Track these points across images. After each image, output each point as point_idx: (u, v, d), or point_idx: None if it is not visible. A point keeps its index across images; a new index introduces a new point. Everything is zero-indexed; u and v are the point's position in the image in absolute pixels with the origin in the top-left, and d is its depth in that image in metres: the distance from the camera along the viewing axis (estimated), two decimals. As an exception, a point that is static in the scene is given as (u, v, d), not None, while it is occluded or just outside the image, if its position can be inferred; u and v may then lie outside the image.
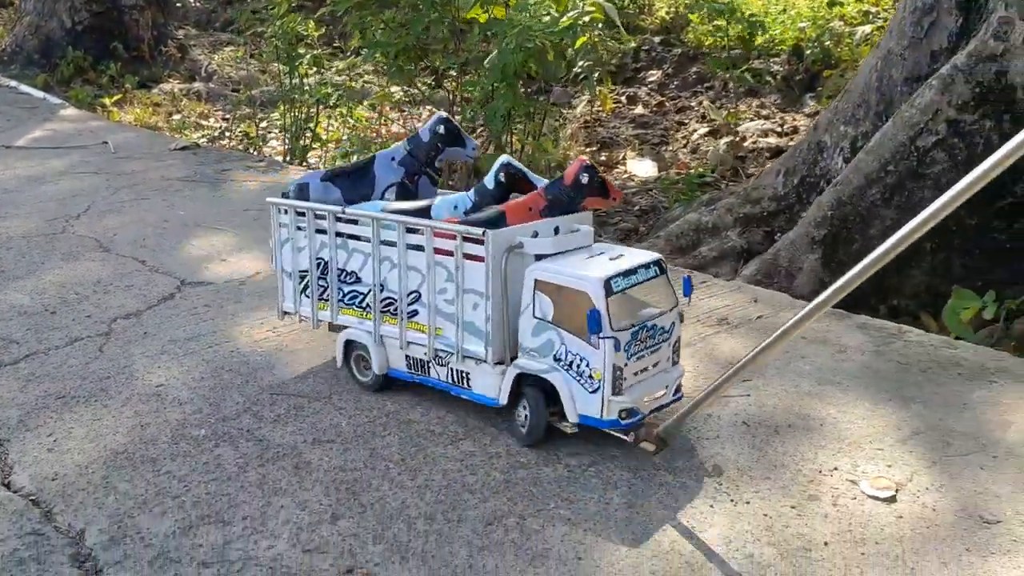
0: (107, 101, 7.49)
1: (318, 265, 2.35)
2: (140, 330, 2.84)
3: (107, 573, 1.72)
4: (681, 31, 8.46)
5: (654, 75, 8.01)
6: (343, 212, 2.26)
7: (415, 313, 2.20)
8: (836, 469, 2.05)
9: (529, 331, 2.03)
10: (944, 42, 3.52)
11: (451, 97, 4.72)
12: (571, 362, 1.97)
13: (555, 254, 2.05)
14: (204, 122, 7.25)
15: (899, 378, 2.49)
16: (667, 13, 8.98)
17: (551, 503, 1.93)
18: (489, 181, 2.23)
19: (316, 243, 2.34)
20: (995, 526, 1.84)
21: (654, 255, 2.08)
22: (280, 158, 5.48)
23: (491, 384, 2.12)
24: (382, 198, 2.41)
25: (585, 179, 2.09)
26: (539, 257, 2.04)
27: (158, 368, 2.58)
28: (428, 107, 5.20)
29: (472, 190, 2.26)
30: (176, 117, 7.38)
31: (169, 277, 3.29)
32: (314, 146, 5.36)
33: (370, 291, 2.28)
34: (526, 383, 2.07)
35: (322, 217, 2.31)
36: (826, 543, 1.80)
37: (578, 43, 5.57)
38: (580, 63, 6.10)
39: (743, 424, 2.25)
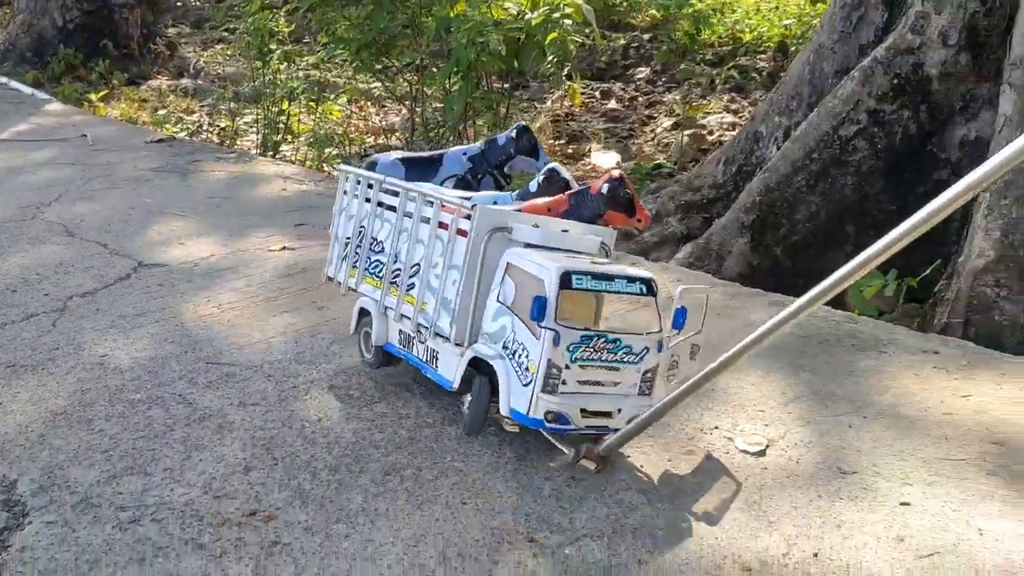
0: (93, 97, 7.67)
1: (359, 233, 2.40)
2: (93, 307, 3.01)
3: (33, 516, 1.89)
4: (670, 28, 8.62)
5: (642, 71, 8.17)
6: (384, 181, 2.31)
7: (412, 286, 2.19)
8: (716, 428, 2.22)
9: (490, 315, 1.99)
10: (871, 36, 3.67)
11: (412, 91, 4.88)
12: (515, 351, 1.92)
13: (542, 246, 2.00)
14: (188, 117, 7.43)
15: (798, 349, 2.65)
16: (657, 10, 9.13)
17: (448, 457, 2.10)
18: (533, 185, 2.24)
19: (363, 212, 2.38)
20: (850, 476, 2.00)
21: (647, 273, 1.99)
22: (254, 151, 5.66)
23: (452, 366, 2.10)
24: (441, 186, 2.43)
25: (606, 190, 2.06)
26: (528, 246, 2.00)
27: (105, 341, 2.75)
28: (405, 102, 5.35)
29: (517, 191, 2.28)
30: (161, 112, 7.56)
31: (127, 259, 3.46)
32: (287, 139, 5.52)
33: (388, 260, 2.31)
34: (478, 370, 2.04)
35: (371, 186, 2.38)
36: (692, 490, 1.96)
37: (548, 39, 5.75)
38: (550, 58, 6.29)
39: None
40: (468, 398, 2.08)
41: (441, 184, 2.42)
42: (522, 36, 5.41)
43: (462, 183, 2.44)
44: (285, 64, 5.40)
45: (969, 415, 2.24)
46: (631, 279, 1.93)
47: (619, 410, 1.94)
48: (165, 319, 2.90)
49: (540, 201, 2.16)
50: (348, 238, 2.43)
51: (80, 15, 9.74)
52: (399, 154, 2.60)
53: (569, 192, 2.14)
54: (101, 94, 7.82)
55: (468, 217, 2.02)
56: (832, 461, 2.06)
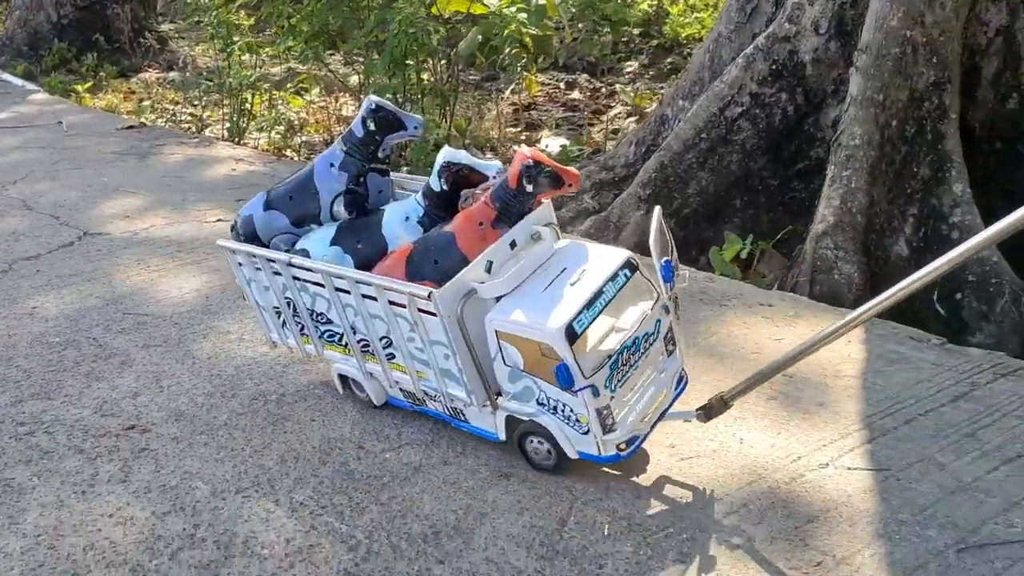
0: (79, 88, 8.04)
1: (288, 304, 2.17)
2: (35, 269, 3.36)
3: (-55, 429, 2.23)
4: (661, 24, 8.91)
5: (631, 66, 8.46)
6: (290, 260, 2.05)
7: (393, 356, 2.03)
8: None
9: (506, 377, 1.86)
10: (763, 26, 3.97)
11: (360, 81, 5.21)
12: (555, 407, 1.82)
13: (512, 290, 1.84)
14: (173, 107, 7.79)
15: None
16: (649, 5, 9.41)
17: (312, 386, 2.43)
18: (434, 183, 2.02)
19: (278, 284, 2.14)
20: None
21: (621, 257, 1.88)
22: (219, 137, 6.00)
23: (486, 421, 1.99)
24: (331, 213, 2.19)
25: (528, 183, 1.86)
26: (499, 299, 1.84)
27: (38, 296, 3.09)
28: (358, 93, 5.67)
29: (420, 192, 2.07)
30: (146, 103, 7.92)
31: (75, 229, 3.81)
32: (251, 127, 5.86)
33: (344, 332, 2.11)
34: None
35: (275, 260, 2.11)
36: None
37: (505, 32, 6.08)
38: (507, 50, 6.61)
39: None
40: (541, 446, 1.92)
41: (331, 211, 2.19)
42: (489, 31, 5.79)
43: (349, 197, 2.17)
44: (248, 55, 5.72)
45: (774, 354, 2.54)
46: (613, 276, 1.83)
47: (665, 388, 1.92)
48: (96, 279, 3.24)
49: (466, 216, 1.93)
50: (276, 308, 2.22)
51: (74, 10, 10.13)
52: (261, 199, 2.25)
53: (488, 195, 1.91)
54: (87, 85, 8.18)
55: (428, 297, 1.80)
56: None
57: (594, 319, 1.76)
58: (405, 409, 2.20)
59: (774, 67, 3.69)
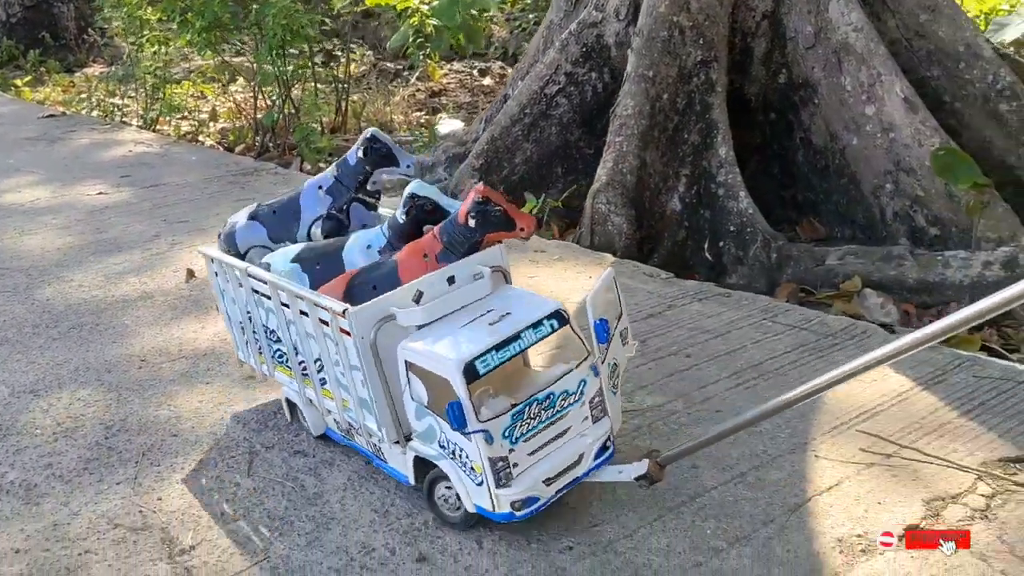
0: (19, 82, 8.48)
1: (248, 318, 2.11)
2: (-77, 234, 3.83)
3: None
4: None
5: None
6: (246, 270, 2.01)
7: (324, 381, 1.94)
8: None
9: (412, 413, 1.75)
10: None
11: (254, 69, 5.68)
12: (452, 451, 1.70)
13: (433, 321, 1.75)
14: (109, 99, 8.24)
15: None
16: None
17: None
18: (399, 214, 1.96)
19: (242, 296, 2.08)
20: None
21: (551, 306, 1.76)
22: (135, 125, 6.47)
23: (400, 461, 1.87)
24: (308, 235, 2.18)
25: (474, 218, 1.77)
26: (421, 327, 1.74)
27: (-82, 255, 3.57)
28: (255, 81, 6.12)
29: (386, 224, 2.00)
30: (84, 95, 8.37)
31: (-32, 203, 4.28)
32: (163, 114, 6.32)
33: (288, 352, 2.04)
34: (426, 464, 1.81)
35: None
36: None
37: (412, 21, 6.56)
38: (410, 39, 7.10)
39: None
40: (448, 492, 1.80)
41: (308, 232, 2.18)
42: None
43: (329, 222, 2.15)
44: (158, 48, 6.18)
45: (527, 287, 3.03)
46: (536, 325, 1.71)
47: (581, 455, 1.76)
48: (-26, 241, 3.72)
49: (413, 248, 1.87)
50: (241, 322, 2.16)
51: (21, 10, 10.59)
52: (250, 210, 2.23)
53: (438, 228, 1.85)
54: (26, 79, 8.63)
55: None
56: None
57: (503, 362, 1.65)
58: (339, 443, 2.12)
59: (584, 50, 4.17)
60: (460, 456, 1.69)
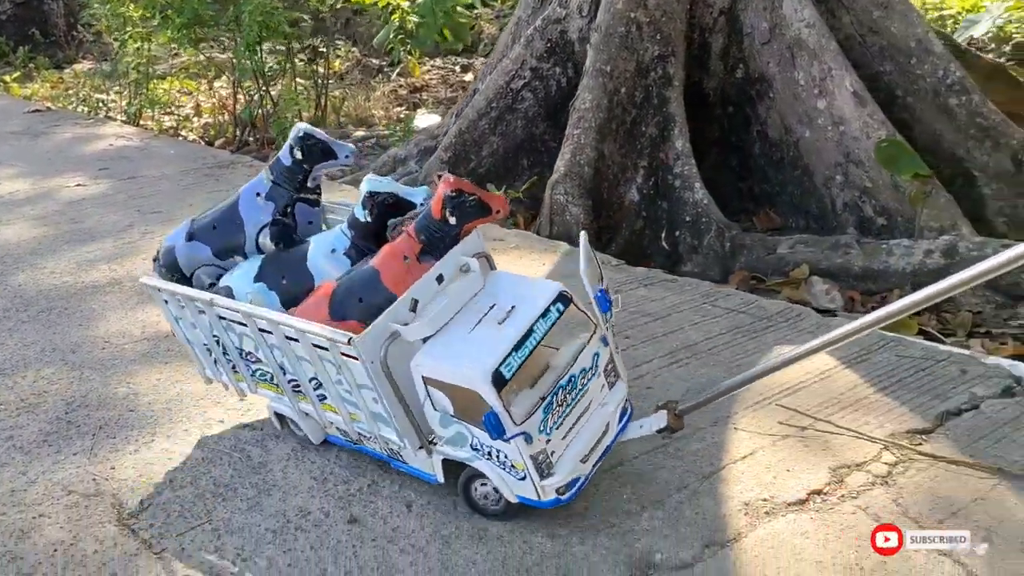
0: (7, 78, 8.59)
1: (217, 342, 2.02)
2: (-97, 223, 3.95)
3: None
4: None
5: None
6: (211, 301, 1.91)
7: (324, 397, 1.90)
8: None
9: (437, 422, 1.73)
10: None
11: (232, 63, 5.79)
12: (489, 452, 1.70)
13: (438, 331, 1.71)
14: (97, 95, 8.35)
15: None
16: None
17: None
18: (359, 213, 1.89)
19: (205, 322, 1.99)
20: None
21: (553, 290, 1.74)
22: (119, 120, 6.58)
23: (424, 463, 1.85)
24: (257, 245, 2.07)
25: (453, 218, 1.73)
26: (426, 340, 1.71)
27: (-103, 244, 3.68)
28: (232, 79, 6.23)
29: (346, 223, 1.94)
30: (72, 91, 8.48)
31: (-51, 194, 4.39)
32: (143, 109, 6.43)
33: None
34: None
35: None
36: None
37: (394, 18, 6.67)
38: (391, 36, 7.21)
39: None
40: (483, 487, 1.81)
41: (256, 243, 2.07)
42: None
43: (276, 228, 2.04)
44: (140, 44, 6.29)
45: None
46: (544, 313, 1.69)
47: (607, 424, 1.79)
48: (-47, 230, 3.83)
49: (390, 251, 1.79)
50: (206, 344, 2.06)
51: (11, 7, 10.72)
52: (185, 228, 2.12)
53: (412, 227, 1.78)
54: (15, 76, 8.73)
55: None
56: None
57: (524, 361, 1.64)
58: (346, 448, 2.08)
59: (549, 45, 4.29)
60: (498, 456, 1.69)
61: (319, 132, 2.03)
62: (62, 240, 3.61)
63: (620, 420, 1.84)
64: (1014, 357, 2.74)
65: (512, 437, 1.62)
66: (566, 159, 3.72)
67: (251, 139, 5.68)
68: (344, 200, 2.20)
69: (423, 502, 1.91)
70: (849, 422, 2.16)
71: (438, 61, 8.62)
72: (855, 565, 1.70)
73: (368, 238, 1.91)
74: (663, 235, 3.80)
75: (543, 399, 1.66)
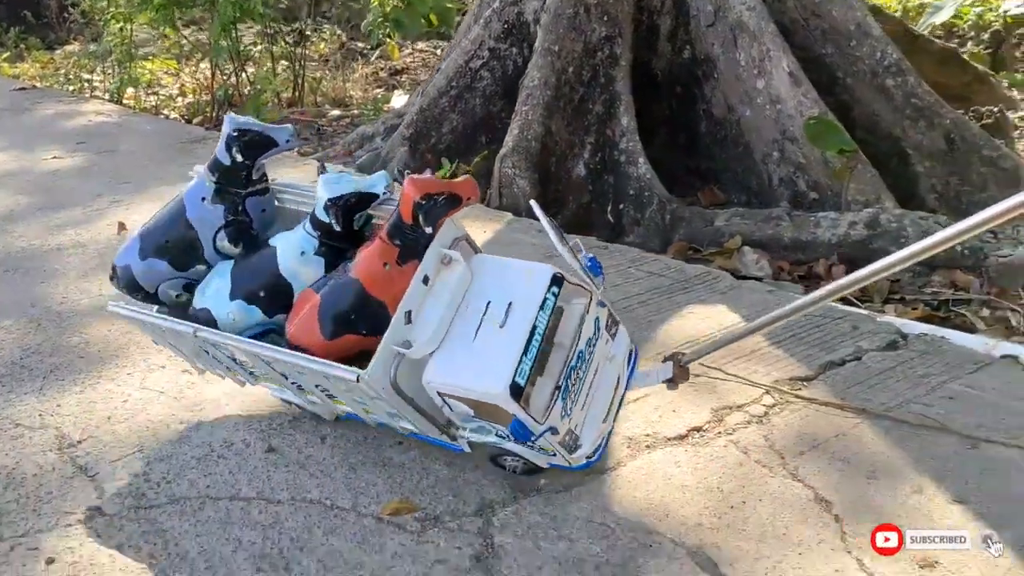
0: (-2, 59, 8.77)
1: (206, 352, 1.97)
2: None
3: None
4: None
5: None
6: (195, 333, 1.87)
7: (333, 396, 1.89)
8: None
9: (459, 419, 1.75)
10: (514, -8, 4.73)
11: (210, 42, 5.96)
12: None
13: (443, 343, 1.68)
14: (83, 74, 8.52)
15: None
16: None
17: (56, 264, 3.21)
18: (321, 215, 1.84)
19: (191, 344, 1.97)
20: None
21: (545, 275, 1.69)
22: (105, 97, 6.75)
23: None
24: (216, 249, 2.00)
25: (424, 217, 1.68)
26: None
27: None
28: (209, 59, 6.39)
29: (308, 222, 1.88)
30: (62, 71, 8.66)
31: (-70, 165, 4.57)
32: (123, 87, 6.60)
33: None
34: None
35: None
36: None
37: (374, 2, 6.83)
38: (369, 18, 7.38)
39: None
40: (507, 459, 1.86)
41: (215, 247, 2.01)
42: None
43: (232, 227, 1.98)
44: (123, 23, 6.45)
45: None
46: (542, 304, 1.66)
47: (618, 377, 1.82)
48: (-70, 199, 4.01)
49: (368, 259, 1.76)
50: (195, 352, 2.02)
51: (4, -12, 10.89)
52: (135, 247, 2.02)
53: (385, 232, 1.75)
54: (5, 56, 8.91)
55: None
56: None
57: (535, 361, 1.63)
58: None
59: (506, 26, 4.45)
60: (526, 443, 1.70)
61: (253, 123, 1.95)
62: (34, 207, 3.79)
63: (629, 364, 1.85)
64: (920, 320, 2.93)
65: (539, 436, 1.64)
66: (514, 135, 3.89)
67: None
68: (293, 182, 2.10)
69: (336, 435, 2.09)
70: (739, 370, 2.34)
71: (420, 44, 8.77)
72: (716, 488, 1.88)
73: (338, 238, 1.87)
74: (608, 208, 3.98)
75: (558, 388, 1.66)
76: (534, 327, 1.63)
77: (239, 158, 1.94)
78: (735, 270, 3.48)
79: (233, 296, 1.91)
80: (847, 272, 3.55)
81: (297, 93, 6.40)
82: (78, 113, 5.75)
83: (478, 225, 3.46)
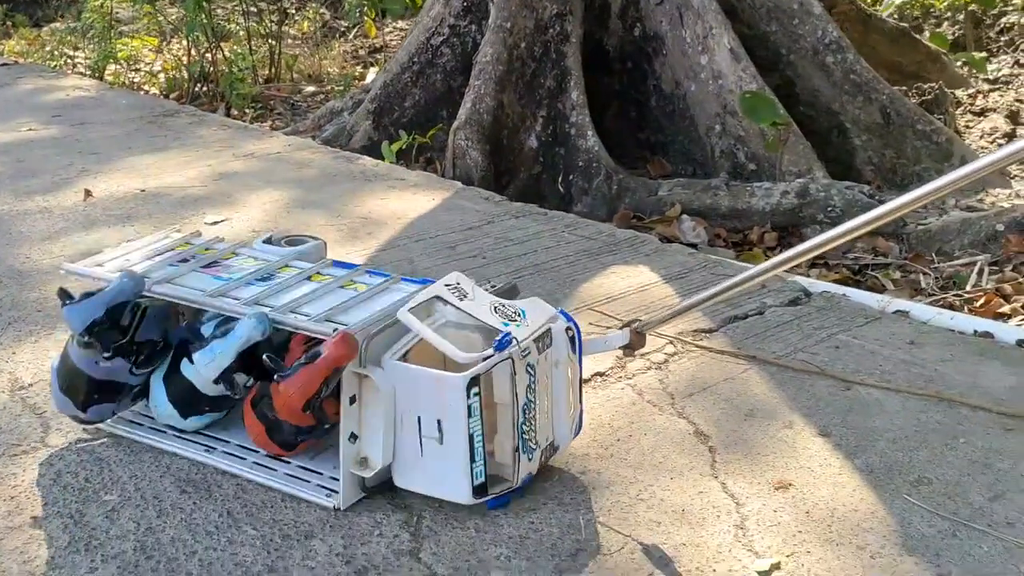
0: (-18, 34, 8.90)
1: None
2: None
3: None
4: None
5: None
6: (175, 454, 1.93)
7: None
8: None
9: None
10: (477, -29, 4.88)
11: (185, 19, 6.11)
12: None
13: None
14: (70, 51, 8.66)
15: (315, 185, 3.89)
16: None
17: (22, 228, 3.39)
18: (240, 331, 1.71)
19: None
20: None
21: (458, 386, 1.56)
22: (87, 73, 6.90)
23: None
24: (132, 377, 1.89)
25: (318, 412, 1.66)
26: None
27: None
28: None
29: (227, 338, 1.74)
30: (48, 48, 8.79)
31: (-91, 137, 4.73)
32: (100, 62, 6.74)
33: None
34: None
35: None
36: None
37: None
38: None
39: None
40: None
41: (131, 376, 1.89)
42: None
43: (142, 355, 1.85)
44: (104, 0, 6.59)
45: (377, 209, 3.50)
46: (469, 411, 1.57)
47: (568, 371, 1.80)
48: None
49: (304, 375, 1.61)
50: None
51: (-8, -34, 10.98)
52: (81, 336, 1.82)
53: (311, 347, 1.66)
54: (-10, 32, 9.05)
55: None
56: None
57: (484, 452, 1.62)
58: None
59: (466, 4, 4.61)
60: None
61: (86, 300, 1.79)
62: (5, 176, 3.95)
63: (575, 347, 1.79)
64: (838, 282, 3.11)
65: (521, 488, 1.69)
66: (467, 107, 4.06)
67: (202, 92, 6.01)
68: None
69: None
70: (648, 323, 2.51)
71: (400, 23, 8.89)
72: (607, 424, 2.07)
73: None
74: (559, 179, 4.16)
75: (516, 451, 1.65)
76: (471, 435, 1.60)
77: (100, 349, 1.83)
78: (674, 237, 3.65)
79: (185, 415, 1.97)
80: (779, 239, 3.75)
81: (274, 70, 6.55)
82: (57, 88, 5.90)
83: (427, 193, 3.63)
